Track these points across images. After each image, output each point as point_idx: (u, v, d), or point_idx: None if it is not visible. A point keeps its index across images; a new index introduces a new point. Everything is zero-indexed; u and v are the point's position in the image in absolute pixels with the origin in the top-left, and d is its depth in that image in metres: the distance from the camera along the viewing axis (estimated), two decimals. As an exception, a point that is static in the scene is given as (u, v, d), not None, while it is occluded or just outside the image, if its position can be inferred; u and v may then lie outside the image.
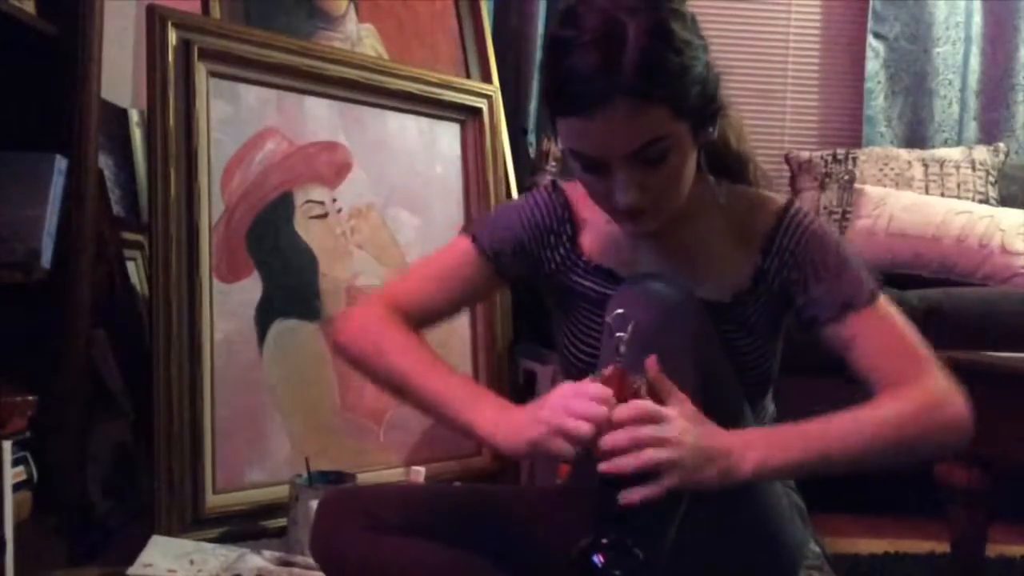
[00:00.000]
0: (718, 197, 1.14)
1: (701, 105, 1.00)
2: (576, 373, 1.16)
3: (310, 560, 1.46)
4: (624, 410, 0.89)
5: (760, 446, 0.94)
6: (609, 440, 0.88)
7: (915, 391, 1.00)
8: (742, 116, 1.18)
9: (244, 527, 1.62)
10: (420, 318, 1.18)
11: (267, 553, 1.51)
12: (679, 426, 0.89)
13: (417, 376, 1.09)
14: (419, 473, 1.80)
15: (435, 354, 1.12)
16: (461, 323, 2.07)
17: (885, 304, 1.07)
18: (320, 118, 1.89)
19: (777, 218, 1.11)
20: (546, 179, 2.53)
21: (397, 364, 1.11)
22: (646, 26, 0.94)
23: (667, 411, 0.90)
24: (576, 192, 1.19)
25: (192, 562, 1.44)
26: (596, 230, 1.18)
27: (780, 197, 1.15)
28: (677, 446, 0.88)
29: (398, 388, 1.12)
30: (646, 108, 0.95)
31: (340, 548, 1.14)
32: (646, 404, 0.90)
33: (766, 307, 1.12)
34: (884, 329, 1.06)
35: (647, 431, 0.88)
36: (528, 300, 2.04)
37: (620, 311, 0.91)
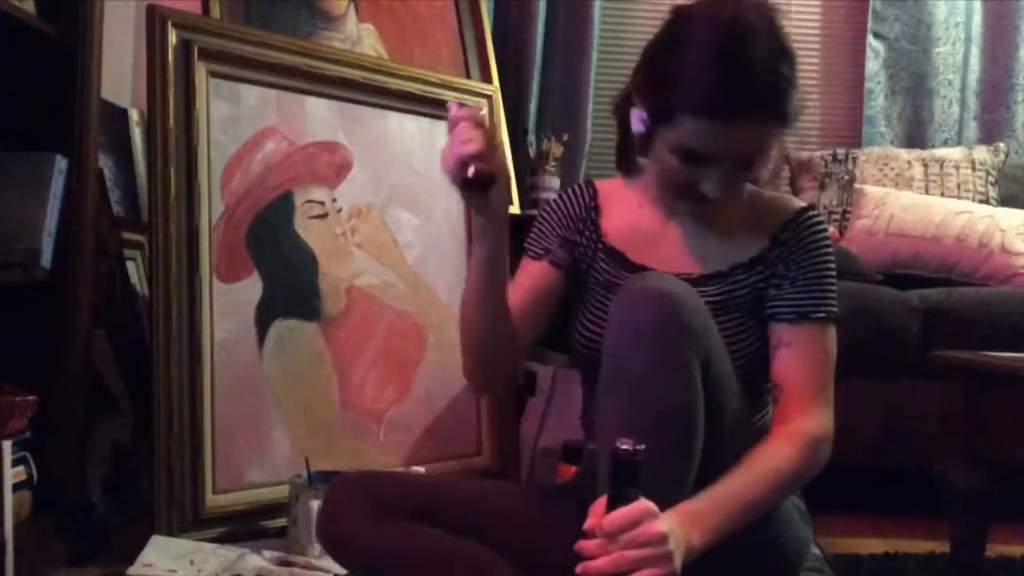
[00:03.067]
0: (743, 192, 1.21)
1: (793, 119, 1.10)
2: (580, 358, 1.23)
3: (310, 560, 1.46)
4: (616, 521, 0.90)
5: (697, 526, 0.97)
6: (608, 562, 0.89)
7: (805, 429, 1.09)
8: None
9: (244, 527, 1.62)
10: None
11: (267, 553, 1.51)
12: (671, 539, 0.91)
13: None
14: (419, 473, 1.80)
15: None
16: (461, 323, 2.07)
17: (832, 332, 1.16)
18: (320, 118, 1.89)
19: (796, 213, 1.18)
20: (543, 195, 2.60)
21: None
22: (776, 45, 1.04)
23: (657, 525, 0.91)
24: (606, 188, 1.30)
25: (192, 562, 1.44)
26: (620, 217, 1.25)
27: (801, 201, 1.23)
28: (671, 561, 0.91)
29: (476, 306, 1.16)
30: (770, 126, 1.07)
31: (347, 532, 1.16)
32: (637, 515, 0.90)
33: (753, 287, 1.16)
34: (817, 351, 1.14)
35: (647, 552, 0.89)
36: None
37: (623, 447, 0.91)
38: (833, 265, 1.17)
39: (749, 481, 1.04)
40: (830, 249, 1.17)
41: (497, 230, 1.09)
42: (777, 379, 1.13)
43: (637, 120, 1.14)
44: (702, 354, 1.02)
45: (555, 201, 1.30)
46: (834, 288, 1.16)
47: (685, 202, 1.15)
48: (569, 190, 1.30)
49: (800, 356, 1.12)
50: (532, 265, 1.26)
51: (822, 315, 1.14)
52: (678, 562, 0.91)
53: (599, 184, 1.30)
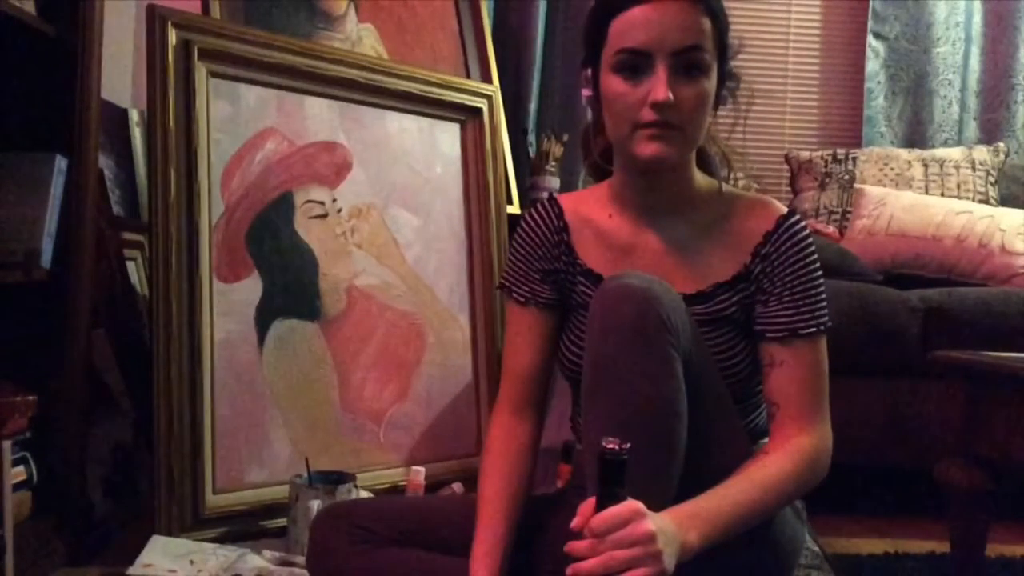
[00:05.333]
0: (718, 195, 1.19)
1: (727, 61, 1.13)
2: (567, 375, 1.24)
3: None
4: (605, 521, 0.89)
5: (696, 525, 0.97)
6: (598, 563, 0.88)
7: (803, 444, 1.09)
8: (741, 116, 1.22)
9: (244, 527, 1.62)
10: (533, 393, 1.23)
11: (267, 553, 1.51)
12: (660, 538, 0.90)
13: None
14: (419, 473, 1.80)
15: (497, 508, 1.16)
16: (461, 323, 2.07)
17: (822, 344, 1.13)
18: (320, 118, 1.89)
19: (776, 223, 1.15)
20: (543, 195, 2.59)
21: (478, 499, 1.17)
22: None
23: (646, 524, 0.90)
24: (571, 202, 1.26)
25: (192, 562, 1.44)
26: (592, 233, 1.22)
27: (782, 205, 1.19)
28: (660, 560, 0.89)
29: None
30: (698, 11, 1.07)
31: (335, 563, 1.16)
32: (626, 514, 0.90)
33: (740, 304, 1.14)
34: (810, 366, 1.12)
35: (637, 551, 0.88)
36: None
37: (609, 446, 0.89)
38: (819, 273, 1.14)
39: (748, 490, 1.04)
40: (814, 257, 1.14)
41: None
42: (772, 397, 1.12)
43: (585, 86, 1.16)
44: (682, 349, 1.01)
45: (523, 230, 1.25)
46: (822, 297, 1.13)
47: (644, 146, 1.09)
48: (534, 213, 1.25)
49: (793, 374, 1.11)
50: (522, 317, 1.23)
51: (812, 330, 1.11)
52: (669, 562, 0.91)
53: (564, 200, 1.26)
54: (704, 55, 1.08)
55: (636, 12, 1.06)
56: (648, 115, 1.07)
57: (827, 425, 1.12)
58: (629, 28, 1.07)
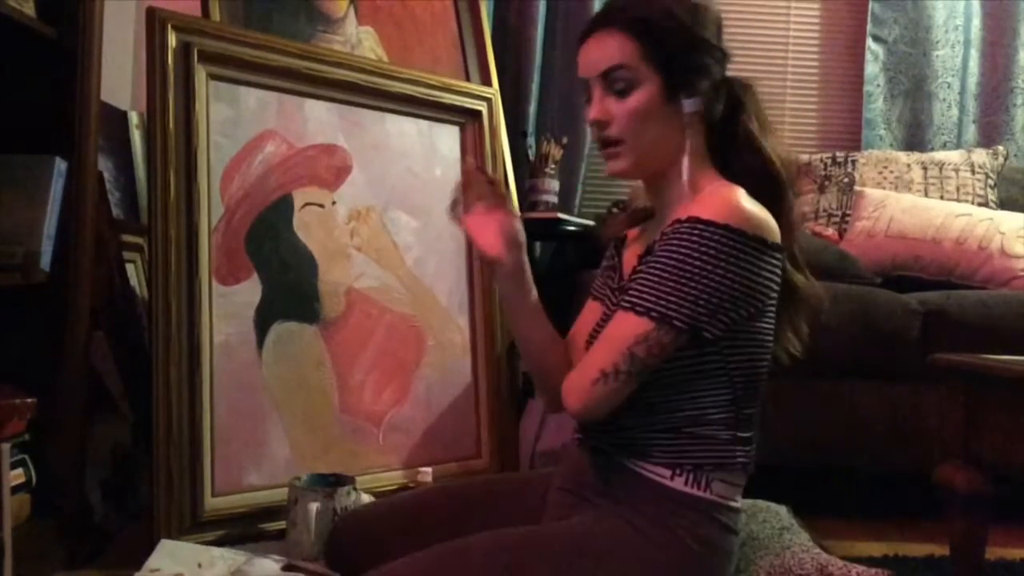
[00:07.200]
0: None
1: (680, 64, 1.15)
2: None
3: (318, 567, 1.46)
4: None
5: (528, 287, 1.25)
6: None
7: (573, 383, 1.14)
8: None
9: (243, 530, 1.62)
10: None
11: (275, 557, 1.50)
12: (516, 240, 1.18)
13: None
14: (427, 474, 1.80)
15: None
16: (461, 326, 2.07)
17: (644, 327, 1.06)
18: (320, 121, 1.89)
19: (688, 219, 1.06)
20: (543, 197, 2.70)
21: None
22: None
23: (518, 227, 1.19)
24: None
25: (200, 565, 1.43)
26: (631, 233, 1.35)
27: (728, 210, 1.06)
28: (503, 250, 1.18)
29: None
30: (617, 34, 1.15)
31: (356, 565, 1.19)
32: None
33: None
34: (620, 331, 1.08)
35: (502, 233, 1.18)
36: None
37: None
38: (690, 273, 1.04)
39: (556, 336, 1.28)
40: (695, 256, 1.04)
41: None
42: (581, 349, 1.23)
43: None
44: None
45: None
46: (673, 290, 1.04)
47: (606, 161, 1.20)
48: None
49: (604, 333, 1.11)
50: (588, 304, 1.35)
51: (640, 311, 1.06)
52: (503, 252, 1.18)
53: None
54: (625, 72, 1.15)
55: (582, 47, 1.20)
56: (594, 135, 1.22)
57: (598, 388, 1.08)
58: (578, 61, 1.21)
